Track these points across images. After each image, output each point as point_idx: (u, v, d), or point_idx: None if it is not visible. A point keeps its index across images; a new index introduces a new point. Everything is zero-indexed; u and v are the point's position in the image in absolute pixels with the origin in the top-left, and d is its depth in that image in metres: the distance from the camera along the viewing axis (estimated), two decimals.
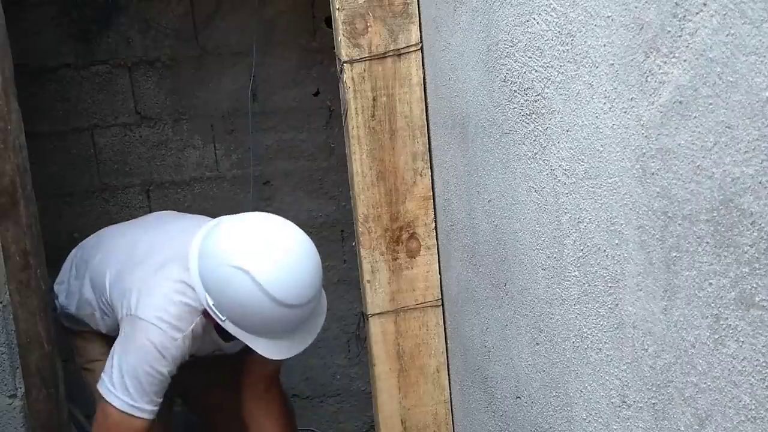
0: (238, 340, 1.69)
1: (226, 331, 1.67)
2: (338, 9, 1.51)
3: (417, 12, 1.53)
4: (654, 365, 0.83)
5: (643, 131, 0.79)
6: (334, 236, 2.89)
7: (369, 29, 1.52)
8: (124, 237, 1.97)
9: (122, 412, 1.66)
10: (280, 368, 2.00)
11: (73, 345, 2.05)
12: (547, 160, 1.03)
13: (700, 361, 0.74)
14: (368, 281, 1.61)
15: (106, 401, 1.68)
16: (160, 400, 1.71)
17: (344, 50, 1.52)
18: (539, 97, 1.03)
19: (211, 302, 1.62)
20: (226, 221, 1.70)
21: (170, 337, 1.66)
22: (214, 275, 1.60)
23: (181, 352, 1.69)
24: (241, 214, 1.77)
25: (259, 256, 1.58)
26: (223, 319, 1.62)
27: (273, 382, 2.01)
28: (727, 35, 0.64)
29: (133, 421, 1.67)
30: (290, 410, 2.10)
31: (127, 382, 1.65)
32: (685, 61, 0.71)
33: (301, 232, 1.69)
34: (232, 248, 1.59)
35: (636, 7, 0.77)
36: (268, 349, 1.65)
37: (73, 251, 2.10)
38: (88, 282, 1.92)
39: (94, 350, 2.01)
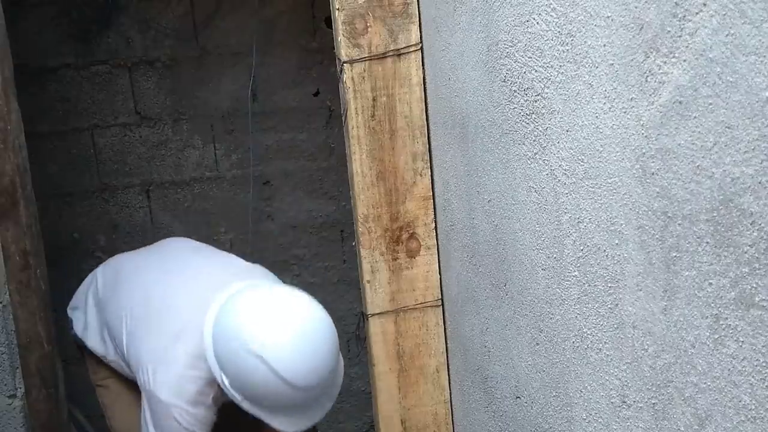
0: None
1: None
2: (338, 9, 1.51)
3: (417, 12, 1.53)
4: (654, 365, 0.83)
5: (643, 131, 0.79)
6: (334, 236, 2.89)
7: (369, 29, 1.52)
8: (139, 277, 1.94)
9: None
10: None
11: (87, 362, 2.05)
12: (547, 160, 1.03)
13: (700, 361, 0.74)
14: (368, 281, 1.61)
15: None
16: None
17: (344, 50, 1.52)
18: (539, 97, 1.03)
19: (227, 382, 1.61)
20: (244, 295, 1.67)
21: (193, 413, 1.67)
22: (230, 357, 1.60)
23: (209, 416, 1.70)
24: (259, 286, 1.72)
25: (276, 342, 1.56)
26: (240, 399, 1.62)
27: None
28: (727, 35, 0.64)
29: None
30: None
31: None
32: (685, 61, 0.71)
33: (320, 309, 1.64)
34: (248, 331, 1.57)
35: (636, 7, 0.77)
36: (283, 424, 1.66)
37: (89, 278, 2.08)
38: (106, 328, 1.92)
39: (108, 368, 2.00)
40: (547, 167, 1.03)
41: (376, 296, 1.62)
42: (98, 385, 2.04)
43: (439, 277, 1.63)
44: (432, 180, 1.59)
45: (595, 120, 0.89)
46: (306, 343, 1.58)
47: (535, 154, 1.06)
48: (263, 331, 1.56)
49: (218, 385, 1.67)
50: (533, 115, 1.05)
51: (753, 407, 0.68)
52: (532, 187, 1.09)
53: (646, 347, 0.84)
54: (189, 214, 2.77)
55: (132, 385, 1.91)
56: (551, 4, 0.96)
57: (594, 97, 0.88)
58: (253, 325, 1.58)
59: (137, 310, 1.83)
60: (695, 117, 0.70)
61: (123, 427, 2.03)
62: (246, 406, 1.62)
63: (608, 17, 0.83)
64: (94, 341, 1.94)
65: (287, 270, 2.79)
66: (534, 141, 1.06)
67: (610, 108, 0.85)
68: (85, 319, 1.98)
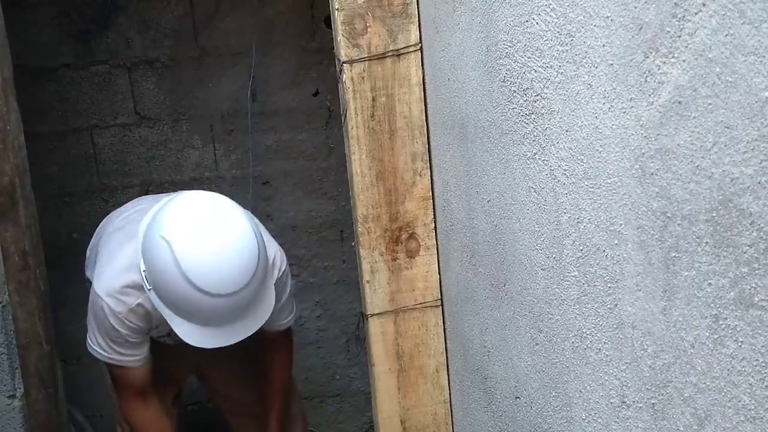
0: None
1: None
2: (337, 9, 1.51)
3: (416, 12, 1.53)
4: (653, 365, 0.83)
5: (642, 131, 0.79)
6: (333, 236, 2.89)
7: (368, 29, 1.52)
8: (127, 210, 2.03)
9: (101, 359, 1.81)
10: (290, 329, 2.07)
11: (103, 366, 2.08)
12: (547, 161, 1.03)
13: (700, 361, 0.74)
14: (368, 281, 1.61)
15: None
16: (135, 352, 1.79)
17: (343, 50, 1.52)
18: (538, 97, 1.03)
19: (143, 268, 1.63)
20: (181, 196, 1.72)
21: (114, 311, 1.72)
22: (146, 241, 1.63)
23: (132, 323, 1.74)
24: (199, 192, 1.77)
25: (188, 233, 1.57)
26: (149, 288, 1.62)
27: (281, 337, 2.06)
28: (727, 35, 0.64)
29: (114, 366, 1.82)
30: (290, 351, 2.12)
31: (98, 338, 1.77)
32: (684, 61, 0.71)
33: (248, 226, 1.63)
34: (168, 220, 1.60)
35: (635, 8, 0.78)
36: (187, 333, 1.63)
37: (103, 221, 2.15)
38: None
39: None
40: (546, 167, 1.03)
41: (375, 296, 1.62)
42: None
43: (438, 277, 1.63)
44: (431, 180, 1.59)
45: (594, 120, 0.89)
46: (217, 244, 1.57)
47: (535, 154, 1.07)
48: (182, 221, 1.60)
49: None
50: (533, 116, 1.05)
51: (752, 407, 0.68)
52: (532, 187, 1.09)
53: (645, 347, 0.84)
54: None
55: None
56: (550, 4, 0.96)
57: (593, 97, 0.88)
58: (175, 215, 1.62)
59: (108, 234, 1.93)
60: (694, 117, 0.70)
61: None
62: (153, 298, 1.62)
63: (608, 17, 0.83)
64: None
65: None
66: (533, 141, 1.06)
67: (609, 108, 0.85)
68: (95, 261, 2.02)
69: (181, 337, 1.64)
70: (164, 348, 2.00)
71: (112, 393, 2.07)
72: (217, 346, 1.67)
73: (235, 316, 1.65)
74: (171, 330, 1.73)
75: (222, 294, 1.57)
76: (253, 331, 1.70)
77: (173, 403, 2.17)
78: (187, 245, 1.56)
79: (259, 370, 2.11)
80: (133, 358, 1.81)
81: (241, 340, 1.72)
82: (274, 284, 1.81)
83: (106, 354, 1.79)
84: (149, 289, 1.63)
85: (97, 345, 1.79)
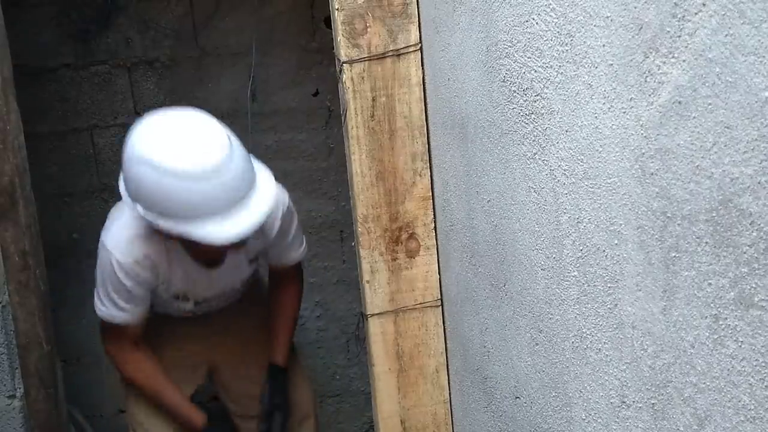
0: (223, 261, 1.85)
1: (193, 247, 1.74)
2: (337, 9, 1.51)
3: (416, 12, 1.53)
4: (653, 365, 0.83)
5: (642, 131, 0.79)
6: (333, 236, 2.89)
7: (368, 29, 1.52)
8: None
9: (103, 318, 1.89)
10: (299, 264, 2.10)
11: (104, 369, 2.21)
12: (547, 161, 1.03)
13: (700, 361, 0.74)
14: (367, 281, 1.61)
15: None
16: (136, 308, 1.86)
17: (343, 50, 1.52)
18: (538, 97, 1.03)
19: (141, 208, 1.62)
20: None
21: (121, 264, 1.77)
22: (128, 177, 1.64)
23: (139, 275, 1.79)
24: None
25: (155, 140, 1.58)
26: (155, 217, 1.60)
27: (291, 272, 2.09)
28: (726, 35, 0.64)
29: (110, 327, 1.90)
30: (301, 285, 2.16)
31: (102, 294, 1.85)
32: (684, 61, 0.71)
33: (212, 119, 1.66)
34: (135, 145, 1.60)
35: (635, 8, 0.78)
36: (206, 233, 1.59)
37: None
38: None
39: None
40: (546, 167, 1.03)
41: (375, 296, 1.62)
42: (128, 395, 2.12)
43: (438, 277, 1.63)
44: (431, 180, 1.59)
45: (594, 120, 0.89)
46: (182, 128, 1.60)
47: (535, 154, 1.07)
48: (144, 140, 1.59)
49: (157, 243, 1.77)
50: (532, 116, 1.05)
51: (752, 407, 0.68)
52: (532, 188, 1.09)
53: (645, 347, 0.84)
54: None
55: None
56: (550, 4, 0.96)
57: (593, 97, 0.88)
58: (137, 135, 1.62)
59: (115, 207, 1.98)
60: (694, 117, 0.70)
61: (141, 419, 2.10)
62: (164, 224, 1.60)
63: (607, 17, 0.83)
64: None
65: None
66: (533, 141, 1.06)
67: (609, 108, 0.85)
68: None
69: (203, 241, 1.60)
70: (178, 336, 2.06)
71: (121, 387, 2.11)
72: (238, 238, 1.62)
73: (236, 197, 1.59)
74: (178, 283, 1.84)
75: (206, 170, 1.54)
76: (265, 215, 1.65)
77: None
78: (155, 145, 1.57)
79: (269, 308, 2.13)
80: (133, 315, 1.87)
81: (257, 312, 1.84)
82: (281, 219, 1.88)
83: (107, 311, 1.85)
84: (156, 220, 1.61)
85: (101, 302, 1.86)
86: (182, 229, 1.59)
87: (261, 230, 1.77)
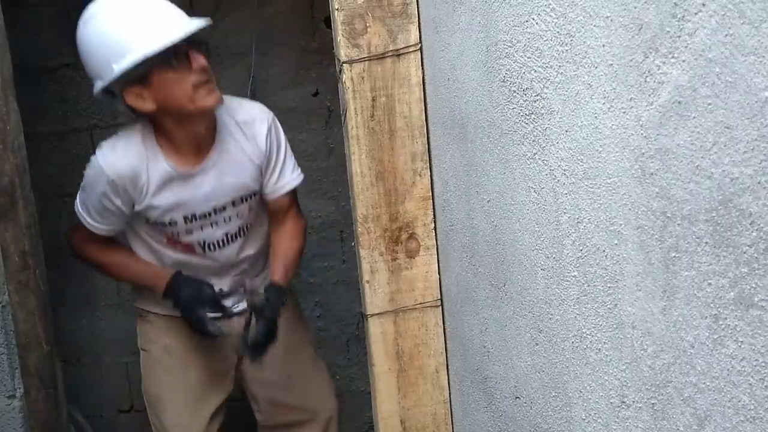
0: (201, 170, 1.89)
1: (170, 137, 1.85)
2: (337, 9, 1.51)
3: (416, 12, 1.53)
4: (653, 365, 0.83)
5: (642, 131, 0.79)
6: (333, 236, 2.89)
7: (368, 29, 1.52)
8: None
9: (80, 221, 1.96)
10: (296, 199, 2.11)
11: (137, 328, 2.16)
12: (546, 161, 1.03)
13: (699, 361, 0.74)
14: (367, 281, 1.61)
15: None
16: (111, 225, 1.95)
17: (343, 50, 1.52)
18: (538, 97, 1.03)
19: (102, 78, 1.79)
20: None
21: (104, 169, 1.84)
22: (83, 60, 1.84)
23: (119, 185, 1.84)
24: None
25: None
26: (117, 72, 1.74)
27: (290, 210, 2.09)
28: (726, 35, 0.64)
29: (82, 227, 1.97)
30: (303, 223, 2.16)
31: (83, 200, 1.93)
32: (684, 61, 0.71)
33: None
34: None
35: (635, 8, 0.78)
36: (153, 42, 1.72)
37: None
38: None
39: (152, 332, 2.10)
40: (546, 167, 1.03)
41: (375, 296, 1.62)
42: (142, 349, 2.14)
43: (438, 277, 1.63)
44: (431, 180, 1.59)
45: (594, 120, 0.89)
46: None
47: (535, 154, 1.07)
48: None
49: (137, 150, 1.85)
50: (532, 116, 1.05)
51: (752, 407, 0.68)
52: (532, 188, 1.09)
53: (645, 347, 0.84)
54: None
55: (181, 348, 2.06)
56: (550, 4, 0.96)
57: (593, 97, 0.88)
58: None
59: None
60: (694, 117, 0.70)
61: (155, 392, 2.10)
62: (125, 64, 1.73)
63: (607, 17, 0.83)
64: None
65: None
66: (533, 141, 1.06)
67: (609, 108, 0.85)
68: None
69: (155, 47, 1.71)
70: (206, 345, 2.05)
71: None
72: (183, 31, 1.75)
73: (171, 13, 1.79)
74: (166, 201, 1.88)
75: None
76: (205, 22, 1.81)
77: (213, 417, 2.13)
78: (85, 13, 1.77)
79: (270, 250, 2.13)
80: (102, 228, 1.95)
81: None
82: (265, 139, 1.94)
83: (85, 217, 1.94)
84: (115, 71, 1.74)
85: (81, 203, 1.94)
86: (136, 56, 1.71)
87: (251, 140, 1.92)
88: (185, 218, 1.92)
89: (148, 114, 1.82)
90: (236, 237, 2.02)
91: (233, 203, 1.96)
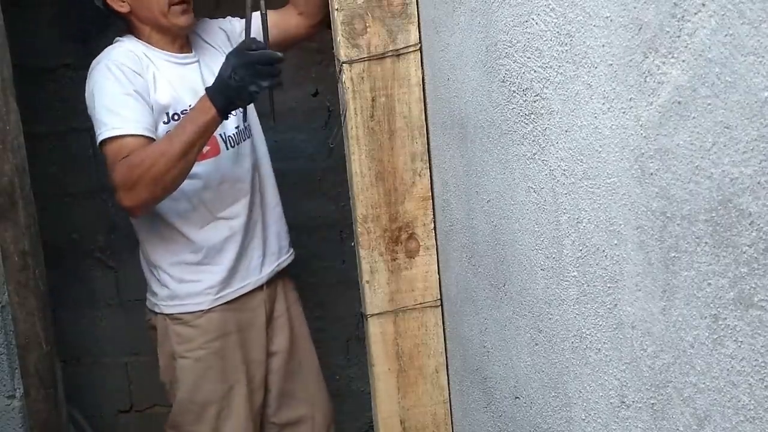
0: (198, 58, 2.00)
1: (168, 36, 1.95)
2: (337, 9, 1.51)
3: (416, 12, 1.53)
4: (653, 365, 0.83)
5: (641, 131, 0.79)
6: (333, 237, 2.89)
7: (368, 30, 1.52)
8: None
9: (112, 138, 1.82)
10: None
11: (165, 335, 2.08)
12: (546, 161, 1.03)
13: (699, 362, 0.74)
14: (367, 281, 1.61)
15: (102, 143, 1.85)
16: (139, 115, 1.84)
17: (343, 51, 1.52)
18: (538, 97, 1.03)
19: None
20: None
21: (114, 61, 1.87)
22: None
23: (130, 67, 1.87)
24: None
25: None
26: None
27: None
28: (726, 35, 0.64)
29: (123, 140, 1.81)
30: None
31: (103, 109, 1.84)
32: (683, 61, 0.71)
33: None
34: None
35: (635, 8, 0.78)
36: None
37: None
38: None
39: (197, 336, 2.04)
40: (546, 167, 1.03)
41: (375, 297, 1.62)
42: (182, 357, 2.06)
43: (438, 277, 1.63)
44: (431, 180, 1.59)
45: (594, 120, 0.89)
46: None
47: (534, 154, 1.07)
48: None
49: (133, 51, 1.91)
50: (532, 116, 1.05)
51: (752, 407, 0.68)
52: (531, 188, 1.09)
53: (645, 347, 0.84)
54: None
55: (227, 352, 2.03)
56: (550, 4, 0.96)
57: (593, 97, 0.88)
58: None
59: None
60: (694, 117, 0.70)
61: (203, 398, 2.04)
62: None
63: (607, 17, 0.83)
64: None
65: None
66: (533, 141, 1.06)
67: (609, 108, 0.85)
68: None
69: None
70: (250, 337, 2.06)
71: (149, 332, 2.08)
72: None
73: None
74: (167, 96, 1.89)
75: None
76: None
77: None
78: None
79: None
80: (137, 125, 1.82)
81: None
82: (221, 25, 2.09)
83: (109, 126, 1.81)
84: None
85: (102, 125, 1.83)
86: None
87: (215, 38, 2.06)
88: (182, 101, 1.96)
89: (128, 19, 1.94)
90: (245, 133, 2.07)
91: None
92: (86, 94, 1.91)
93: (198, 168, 1.92)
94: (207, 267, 2.01)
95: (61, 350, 2.10)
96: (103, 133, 1.83)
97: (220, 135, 1.98)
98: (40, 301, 1.89)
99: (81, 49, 2.66)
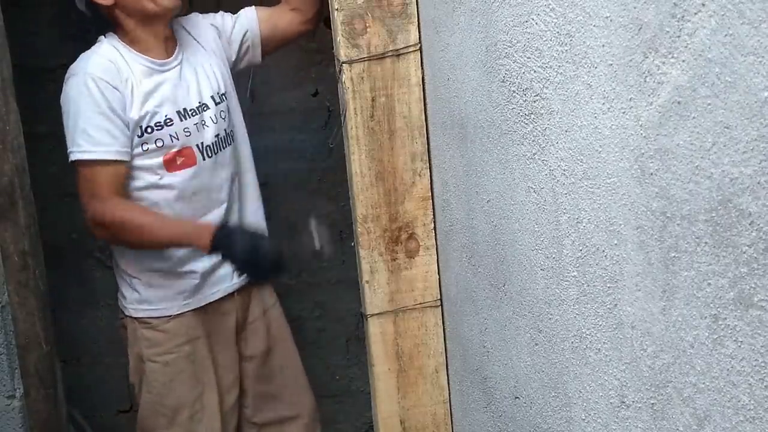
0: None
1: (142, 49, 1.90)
2: (337, 9, 1.51)
3: (416, 12, 1.53)
4: (653, 365, 0.83)
5: (641, 131, 0.79)
6: (332, 237, 2.89)
7: (368, 30, 1.52)
8: None
9: (83, 161, 1.86)
10: None
11: (133, 338, 2.04)
12: (546, 161, 1.03)
13: (699, 361, 0.74)
14: (367, 281, 1.61)
15: (74, 162, 1.88)
16: (114, 138, 1.84)
17: (343, 51, 1.52)
18: (538, 97, 1.03)
19: None
20: None
21: (91, 75, 1.85)
22: None
23: (107, 82, 1.84)
24: None
25: None
26: None
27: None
28: (726, 35, 0.64)
29: (94, 168, 1.85)
30: None
31: (78, 130, 1.86)
32: (683, 61, 0.71)
33: None
34: None
35: (635, 8, 0.78)
36: None
37: None
38: None
39: (165, 341, 2.01)
40: (546, 167, 1.03)
41: (375, 297, 1.62)
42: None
43: (438, 277, 1.63)
44: (431, 180, 1.59)
45: (594, 120, 0.89)
46: None
47: (534, 154, 1.07)
48: None
49: (111, 55, 1.88)
50: (532, 116, 1.05)
51: (752, 407, 0.68)
52: (531, 188, 1.09)
53: (644, 347, 0.84)
54: None
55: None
56: (550, 4, 0.96)
57: (593, 97, 0.88)
58: None
59: None
60: (694, 117, 0.70)
61: (175, 402, 2.02)
62: None
63: (607, 17, 0.83)
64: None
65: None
66: (533, 141, 1.06)
67: (609, 108, 0.85)
68: None
69: None
70: (221, 340, 2.04)
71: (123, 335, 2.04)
72: None
73: None
74: (153, 99, 1.87)
75: None
76: None
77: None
78: None
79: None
80: (111, 149, 1.84)
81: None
82: (210, 24, 2.04)
83: (83, 148, 1.84)
84: None
85: (75, 144, 1.85)
86: None
87: (203, 34, 2.02)
88: (179, 114, 1.92)
89: (111, 15, 1.91)
90: (226, 141, 2.01)
91: (213, 100, 1.99)
92: (61, 101, 1.91)
93: (171, 179, 1.91)
94: (177, 274, 1.97)
95: (61, 350, 2.10)
96: (74, 153, 1.86)
97: (197, 145, 1.94)
98: (40, 301, 1.89)
99: (82, 49, 2.65)
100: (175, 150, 1.91)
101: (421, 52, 1.54)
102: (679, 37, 0.71)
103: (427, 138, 1.58)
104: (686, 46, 0.70)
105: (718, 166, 0.67)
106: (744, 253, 0.66)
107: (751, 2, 0.61)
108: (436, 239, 1.61)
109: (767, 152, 0.62)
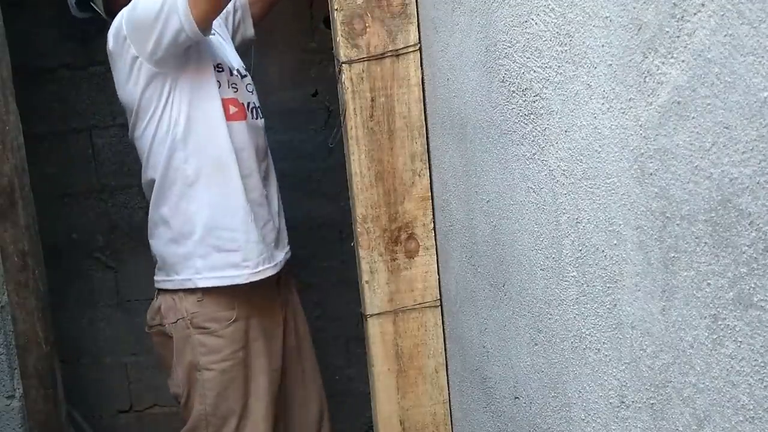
0: None
1: None
2: (336, 9, 1.51)
3: (415, 12, 1.53)
4: (652, 365, 0.83)
5: (641, 132, 0.79)
6: (332, 237, 2.89)
7: (367, 30, 1.52)
8: None
9: None
10: None
11: (190, 344, 1.97)
12: (546, 161, 1.03)
13: (699, 362, 0.74)
14: (367, 282, 1.61)
15: None
16: None
17: (342, 51, 1.52)
18: (538, 97, 1.03)
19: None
20: None
21: None
22: None
23: None
24: None
25: None
26: None
27: None
28: (725, 36, 0.64)
29: None
30: None
31: None
32: (683, 61, 0.71)
33: None
34: None
35: (634, 8, 0.78)
36: None
37: None
38: None
39: (224, 347, 1.97)
40: (545, 167, 1.03)
41: (374, 297, 1.62)
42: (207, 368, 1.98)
43: (437, 277, 1.63)
44: (431, 180, 1.59)
45: (593, 120, 0.89)
46: None
47: (534, 154, 1.07)
48: None
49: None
50: (532, 116, 1.05)
51: (751, 407, 0.68)
52: (531, 188, 1.09)
53: (644, 347, 0.84)
54: None
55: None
56: (549, 4, 0.96)
57: (592, 97, 0.88)
58: None
59: None
60: (693, 117, 0.70)
61: (228, 408, 1.98)
62: None
63: (607, 17, 0.83)
64: None
65: None
66: (532, 141, 1.06)
67: (608, 108, 0.85)
68: None
69: None
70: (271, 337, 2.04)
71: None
72: None
73: None
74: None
75: None
76: None
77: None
78: None
79: None
80: None
81: None
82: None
83: None
84: None
85: None
86: None
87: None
88: (229, 68, 1.99)
89: None
90: (259, 112, 2.09)
91: (246, 70, 2.08)
92: (119, 23, 1.89)
93: (227, 129, 1.93)
94: (244, 230, 1.93)
95: (61, 350, 2.10)
96: None
97: (245, 104, 2.01)
98: (39, 301, 1.89)
99: (81, 49, 2.66)
100: (227, 91, 1.97)
101: (420, 53, 1.54)
102: (678, 37, 0.71)
103: (427, 138, 1.58)
104: (686, 46, 0.70)
105: (718, 166, 0.67)
106: (743, 253, 0.66)
107: (750, 2, 0.61)
108: (435, 239, 1.61)
109: (767, 152, 0.62)
